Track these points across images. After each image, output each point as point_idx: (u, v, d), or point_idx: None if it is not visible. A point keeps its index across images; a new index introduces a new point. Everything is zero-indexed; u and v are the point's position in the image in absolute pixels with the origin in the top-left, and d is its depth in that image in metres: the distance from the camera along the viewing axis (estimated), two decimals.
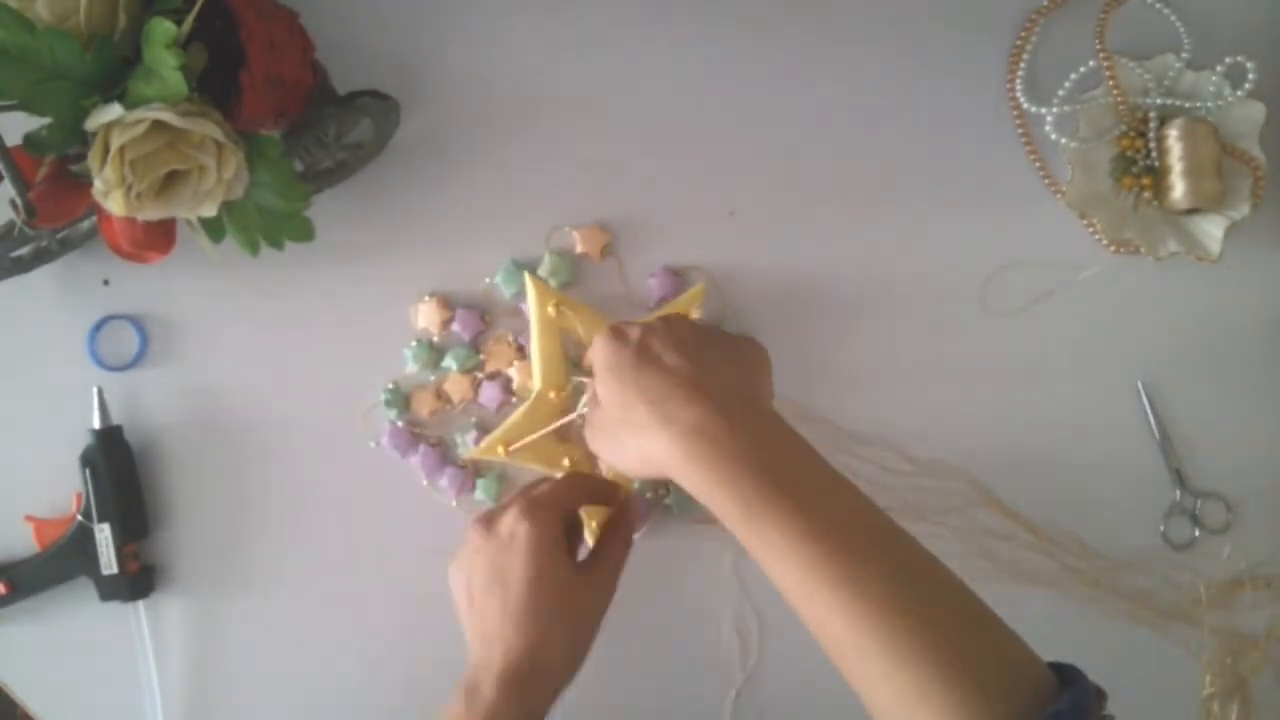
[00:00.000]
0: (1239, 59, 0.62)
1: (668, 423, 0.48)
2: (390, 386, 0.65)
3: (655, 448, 0.49)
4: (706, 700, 0.66)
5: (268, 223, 0.55)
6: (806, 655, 0.65)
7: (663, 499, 0.66)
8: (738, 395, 0.50)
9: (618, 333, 0.53)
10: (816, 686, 0.65)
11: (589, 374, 0.56)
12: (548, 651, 0.52)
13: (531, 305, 0.63)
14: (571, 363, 0.64)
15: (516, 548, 0.53)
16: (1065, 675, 0.43)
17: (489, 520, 0.55)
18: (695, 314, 0.64)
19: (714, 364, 0.51)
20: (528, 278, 0.63)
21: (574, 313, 0.63)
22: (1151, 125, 0.64)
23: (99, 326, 0.65)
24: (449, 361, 0.65)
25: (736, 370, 0.53)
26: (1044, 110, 0.64)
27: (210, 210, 0.51)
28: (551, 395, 0.63)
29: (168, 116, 0.47)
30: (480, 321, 0.65)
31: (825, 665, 0.45)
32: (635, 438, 0.50)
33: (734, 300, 0.66)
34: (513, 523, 0.53)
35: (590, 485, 0.60)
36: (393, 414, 0.65)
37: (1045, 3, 0.66)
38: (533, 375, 0.63)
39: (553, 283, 0.65)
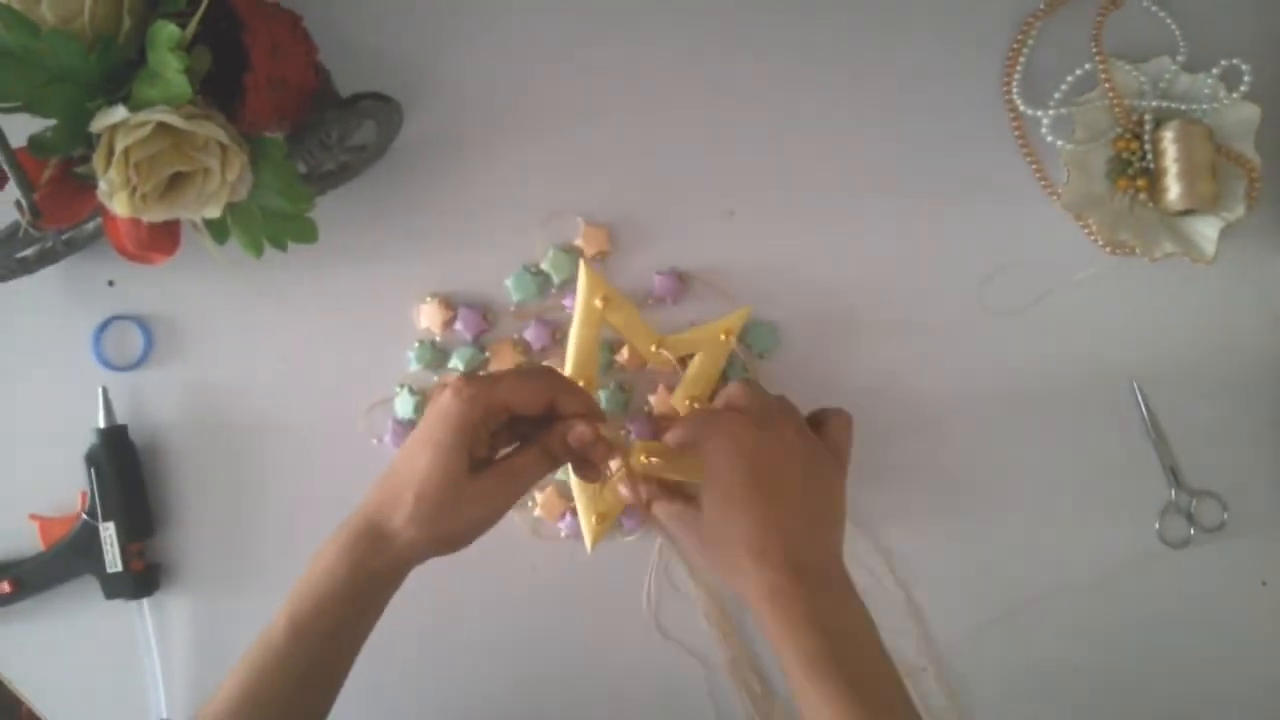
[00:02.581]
0: (1234, 61, 0.63)
1: (757, 570, 0.53)
2: (403, 387, 0.66)
3: (737, 580, 0.54)
4: (701, 701, 0.67)
5: (271, 224, 0.55)
6: None
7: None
8: (824, 557, 0.55)
9: (755, 426, 0.55)
10: None
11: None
12: (396, 517, 0.51)
13: (580, 293, 0.63)
14: (604, 355, 0.65)
15: (430, 414, 0.52)
16: None
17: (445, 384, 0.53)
18: (734, 338, 0.64)
19: (813, 510, 0.55)
20: (582, 266, 0.63)
21: (618, 310, 0.63)
22: (1147, 127, 0.64)
23: (104, 327, 0.66)
24: (455, 361, 0.66)
25: (827, 519, 0.56)
26: (1040, 113, 0.64)
27: (214, 212, 0.51)
28: (580, 385, 0.63)
29: (172, 119, 0.47)
30: (483, 321, 0.66)
31: None
32: (724, 553, 0.55)
33: (733, 301, 0.66)
34: (445, 392, 0.51)
35: (538, 388, 0.53)
36: (404, 413, 0.66)
37: (1041, 6, 0.66)
38: (566, 362, 0.64)
39: (555, 279, 0.65)
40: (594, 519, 0.63)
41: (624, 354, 0.65)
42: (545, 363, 0.65)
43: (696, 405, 0.64)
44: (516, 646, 0.67)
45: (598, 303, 0.62)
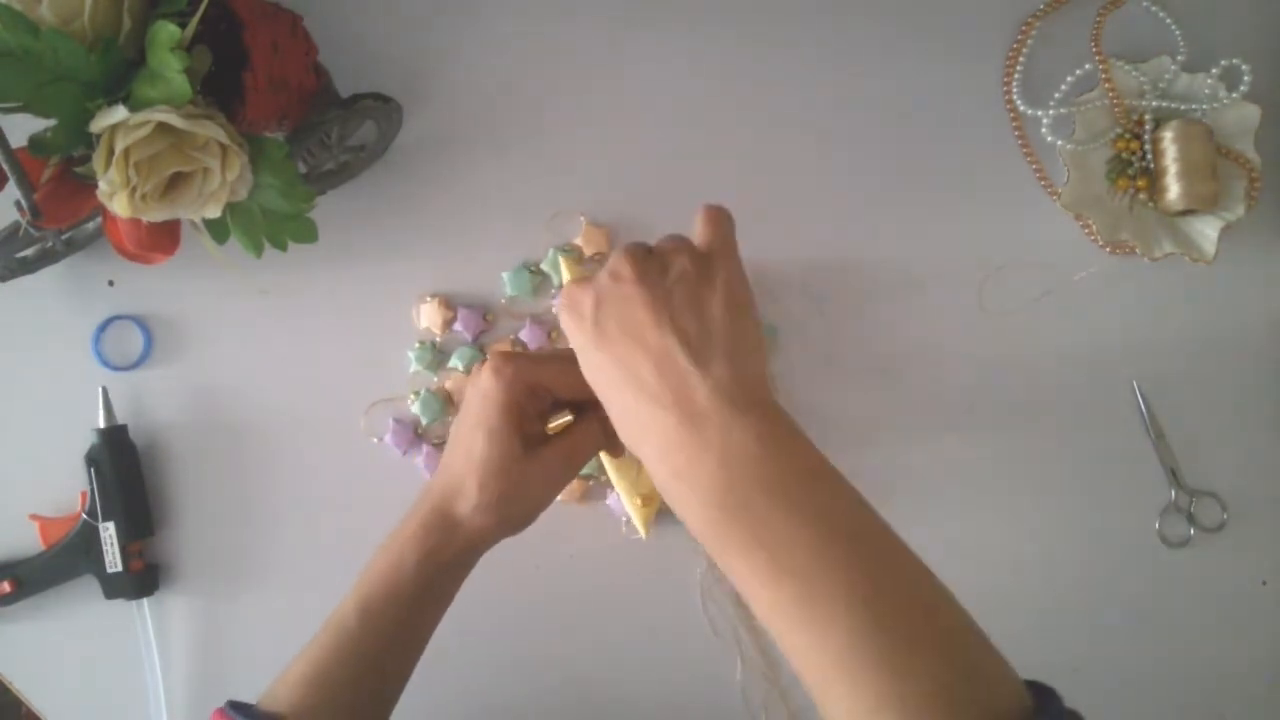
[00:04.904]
0: (1234, 61, 0.63)
1: (642, 440, 0.43)
2: (418, 392, 0.66)
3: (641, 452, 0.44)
4: (702, 698, 0.67)
5: (271, 224, 0.55)
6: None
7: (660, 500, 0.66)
8: (733, 376, 0.42)
9: (571, 301, 0.46)
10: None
11: None
12: (462, 504, 0.51)
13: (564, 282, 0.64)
14: None
15: (475, 396, 0.51)
16: (1041, 697, 0.41)
17: (485, 362, 0.52)
18: None
19: (695, 330, 0.44)
20: (561, 259, 0.64)
21: None
22: (1147, 127, 0.64)
23: (104, 327, 0.66)
24: (455, 361, 0.66)
25: (719, 335, 0.44)
26: (1040, 113, 0.64)
27: (214, 212, 0.51)
28: None
29: (172, 119, 0.47)
30: (483, 321, 0.66)
31: None
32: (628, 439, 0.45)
33: None
34: (484, 372, 0.50)
35: (581, 378, 0.47)
36: (428, 417, 0.66)
37: (1041, 6, 0.66)
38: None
39: (555, 279, 0.65)
40: (639, 501, 0.63)
41: None
42: None
43: None
44: (516, 647, 0.67)
45: None
